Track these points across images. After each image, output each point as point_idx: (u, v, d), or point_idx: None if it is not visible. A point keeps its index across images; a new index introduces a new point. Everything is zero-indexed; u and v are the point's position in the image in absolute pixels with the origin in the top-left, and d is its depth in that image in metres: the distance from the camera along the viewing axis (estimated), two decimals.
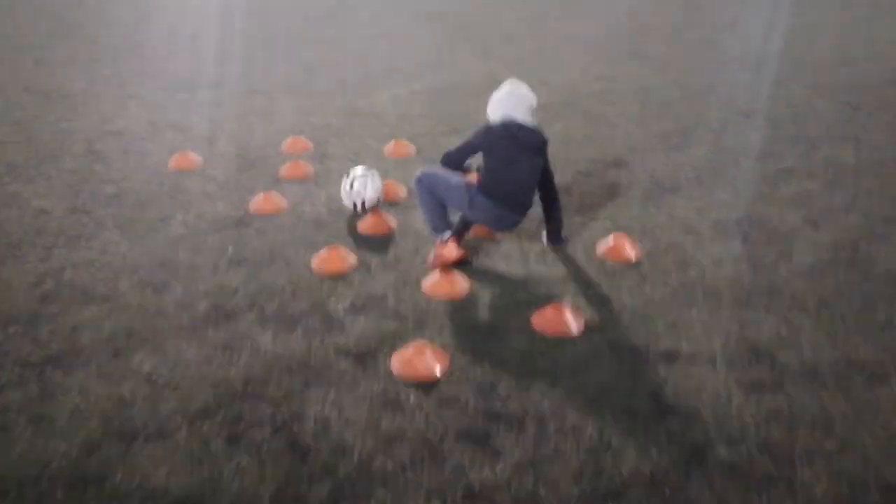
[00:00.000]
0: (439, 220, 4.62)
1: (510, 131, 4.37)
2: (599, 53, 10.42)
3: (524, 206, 4.48)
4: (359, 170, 5.28)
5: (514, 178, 4.38)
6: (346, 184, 5.27)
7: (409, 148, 6.49)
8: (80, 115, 7.67)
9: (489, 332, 3.83)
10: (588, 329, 3.83)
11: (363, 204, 5.24)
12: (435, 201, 4.59)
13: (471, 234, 4.74)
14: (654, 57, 10.13)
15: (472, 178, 4.54)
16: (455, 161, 4.53)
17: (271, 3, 14.73)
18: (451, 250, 4.47)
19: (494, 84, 8.27)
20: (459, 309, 4.05)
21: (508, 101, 4.46)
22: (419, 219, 5.14)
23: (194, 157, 6.26)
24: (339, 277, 4.39)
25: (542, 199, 4.71)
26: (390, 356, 3.60)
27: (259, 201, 5.37)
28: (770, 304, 4.06)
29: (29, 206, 5.43)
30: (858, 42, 11.19)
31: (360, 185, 5.21)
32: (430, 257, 4.55)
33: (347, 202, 5.26)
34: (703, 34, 11.71)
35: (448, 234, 4.56)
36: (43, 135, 7.05)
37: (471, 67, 9.62)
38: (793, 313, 3.97)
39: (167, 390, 3.41)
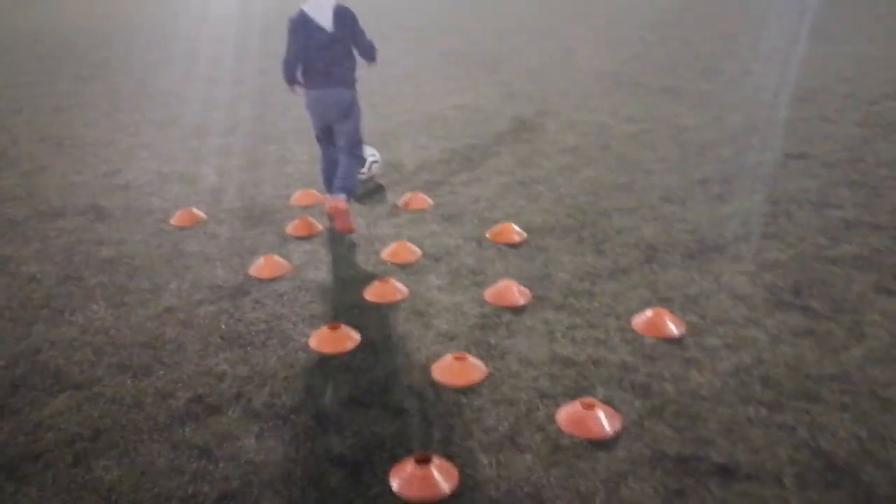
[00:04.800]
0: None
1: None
2: (631, 90, 9.85)
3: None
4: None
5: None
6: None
7: (426, 201, 5.99)
8: (88, 167, 7.32)
9: (507, 435, 3.26)
10: (625, 430, 3.27)
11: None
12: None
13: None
14: (690, 93, 9.54)
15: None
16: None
17: None
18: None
19: (521, 126, 7.80)
20: (472, 401, 3.50)
21: None
22: (433, 283, 4.65)
23: (198, 214, 5.83)
24: (338, 359, 3.88)
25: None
26: (389, 468, 3.07)
27: (260, 265, 4.89)
28: (844, 399, 3.41)
29: (20, 273, 5.03)
30: None
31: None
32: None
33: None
34: (740, 66, 11.07)
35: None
36: (48, 189, 6.69)
37: (495, 108, 9.13)
38: (874, 413, 3.32)
39: None
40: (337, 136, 5.52)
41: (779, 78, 10.22)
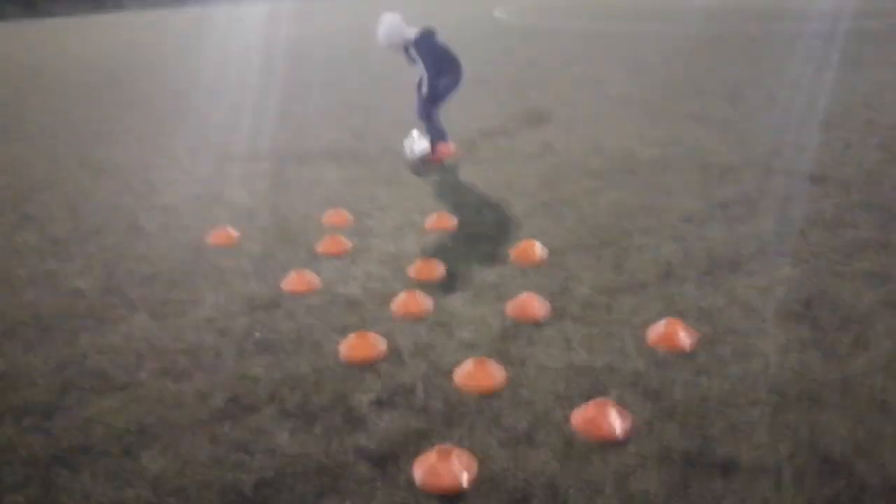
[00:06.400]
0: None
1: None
2: (657, 116, 10.07)
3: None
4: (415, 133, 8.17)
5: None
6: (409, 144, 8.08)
7: (452, 221, 6.24)
8: (128, 189, 7.68)
9: (524, 433, 3.47)
10: (635, 431, 3.45)
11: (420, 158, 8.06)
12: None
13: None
14: (715, 119, 9.73)
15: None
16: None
17: (330, 71, 14.84)
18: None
19: (547, 151, 8.01)
20: (493, 404, 3.71)
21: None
22: (457, 297, 4.87)
23: (232, 233, 6.12)
24: (367, 366, 4.11)
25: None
26: (413, 460, 3.28)
27: (292, 280, 5.16)
28: (845, 402, 3.59)
29: (64, 286, 5.34)
30: None
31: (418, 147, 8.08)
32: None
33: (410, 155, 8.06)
34: (765, 93, 11.24)
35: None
36: (89, 209, 7.05)
37: (522, 133, 9.39)
38: (872, 415, 3.50)
39: (172, 498, 3.15)
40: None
41: (803, 104, 10.37)
